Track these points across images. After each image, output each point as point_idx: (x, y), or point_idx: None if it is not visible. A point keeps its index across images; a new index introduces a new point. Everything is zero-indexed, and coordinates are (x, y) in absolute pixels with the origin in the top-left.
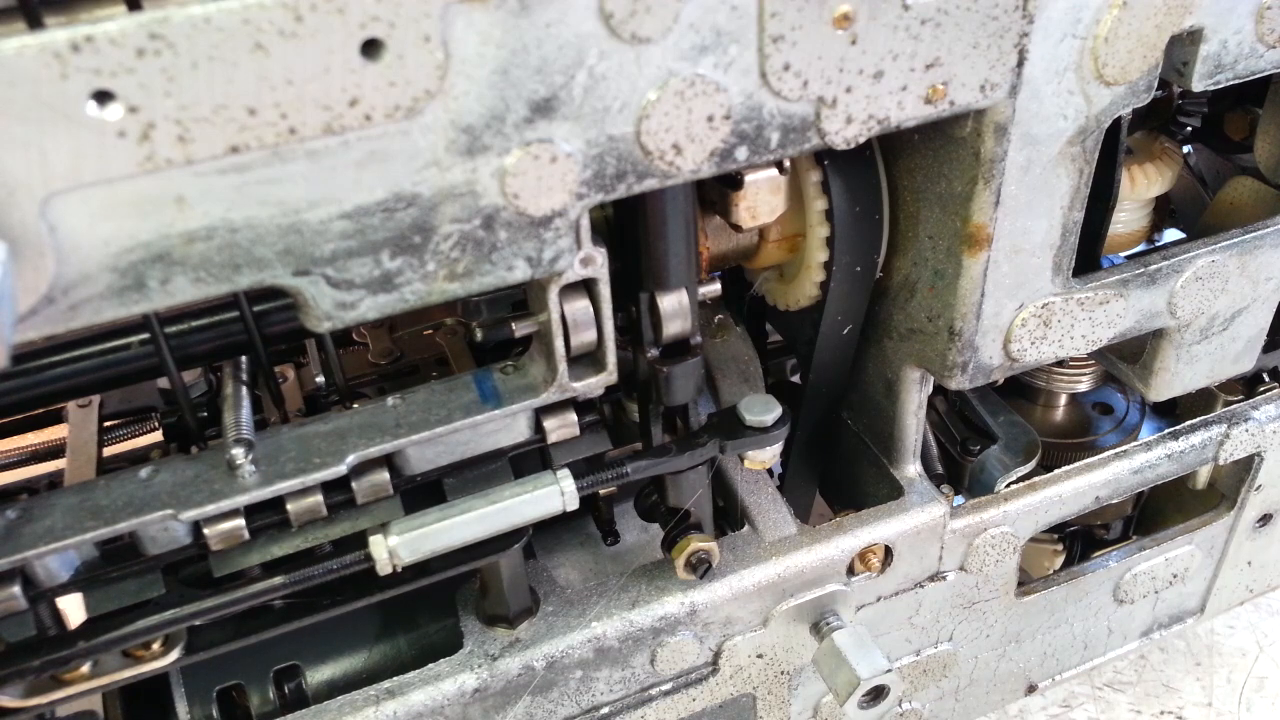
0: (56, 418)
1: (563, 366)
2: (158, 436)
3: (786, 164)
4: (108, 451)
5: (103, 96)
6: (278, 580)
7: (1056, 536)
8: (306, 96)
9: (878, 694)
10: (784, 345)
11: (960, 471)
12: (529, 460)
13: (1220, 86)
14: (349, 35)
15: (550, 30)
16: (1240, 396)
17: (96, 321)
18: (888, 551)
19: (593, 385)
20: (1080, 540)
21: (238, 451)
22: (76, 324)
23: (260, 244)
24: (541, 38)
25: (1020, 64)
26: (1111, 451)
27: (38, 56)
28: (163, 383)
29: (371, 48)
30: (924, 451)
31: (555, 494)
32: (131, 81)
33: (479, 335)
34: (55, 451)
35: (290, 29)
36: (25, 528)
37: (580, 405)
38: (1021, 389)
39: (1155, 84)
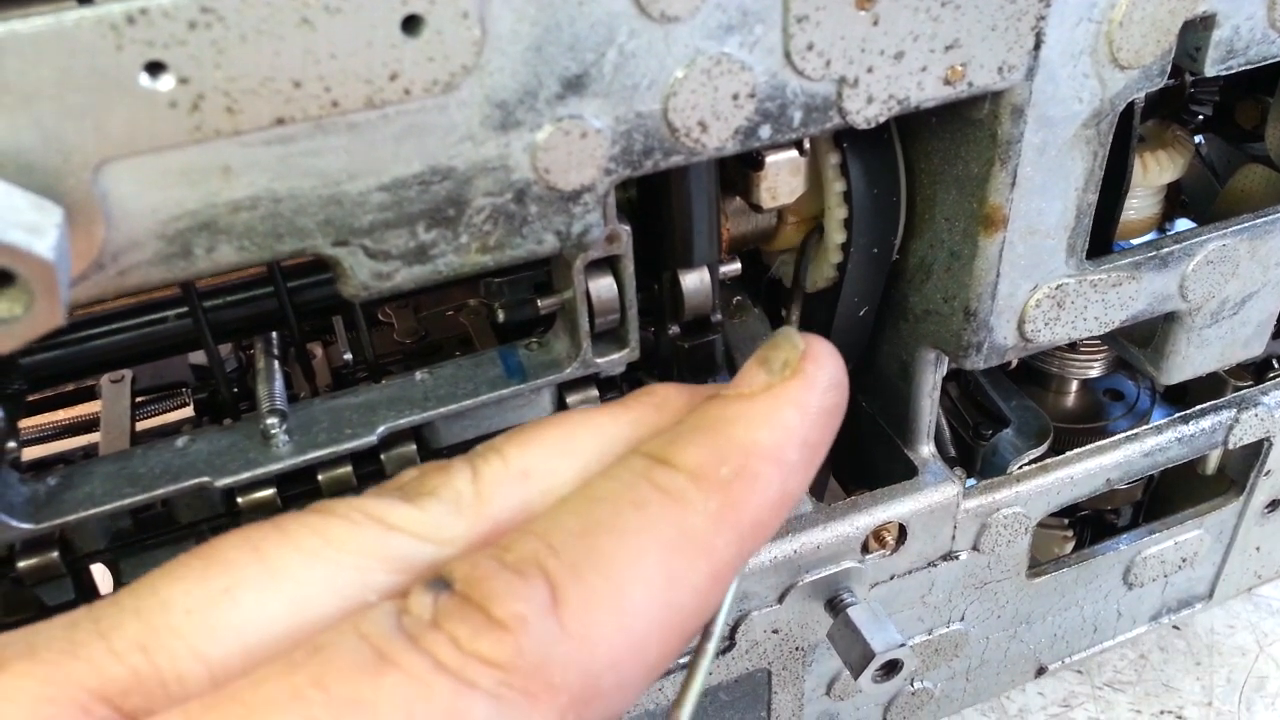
0: (89, 394)
1: (586, 343)
2: (189, 412)
3: (806, 145)
4: (140, 426)
5: (155, 68)
6: None
7: (1066, 522)
8: (349, 70)
9: (892, 668)
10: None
11: (973, 456)
12: None
13: (1232, 72)
14: (390, 10)
15: (583, 8)
16: (1250, 382)
17: (144, 286)
18: (901, 530)
19: (615, 361)
20: (1090, 526)
21: (272, 421)
22: (124, 289)
23: (302, 214)
24: (574, 15)
25: (1037, 46)
26: (1122, 435)
27: (94, 28)
28: (195, 358)
29: (412, 23)
30: (937, 435)
31: None
32: (183, 53)
33: (501, 316)
34: (89, 426)
35: (335, 4)
36: (65, 494)
37: (602, 382)
38: (1033, 375)
39: (1169, 68)
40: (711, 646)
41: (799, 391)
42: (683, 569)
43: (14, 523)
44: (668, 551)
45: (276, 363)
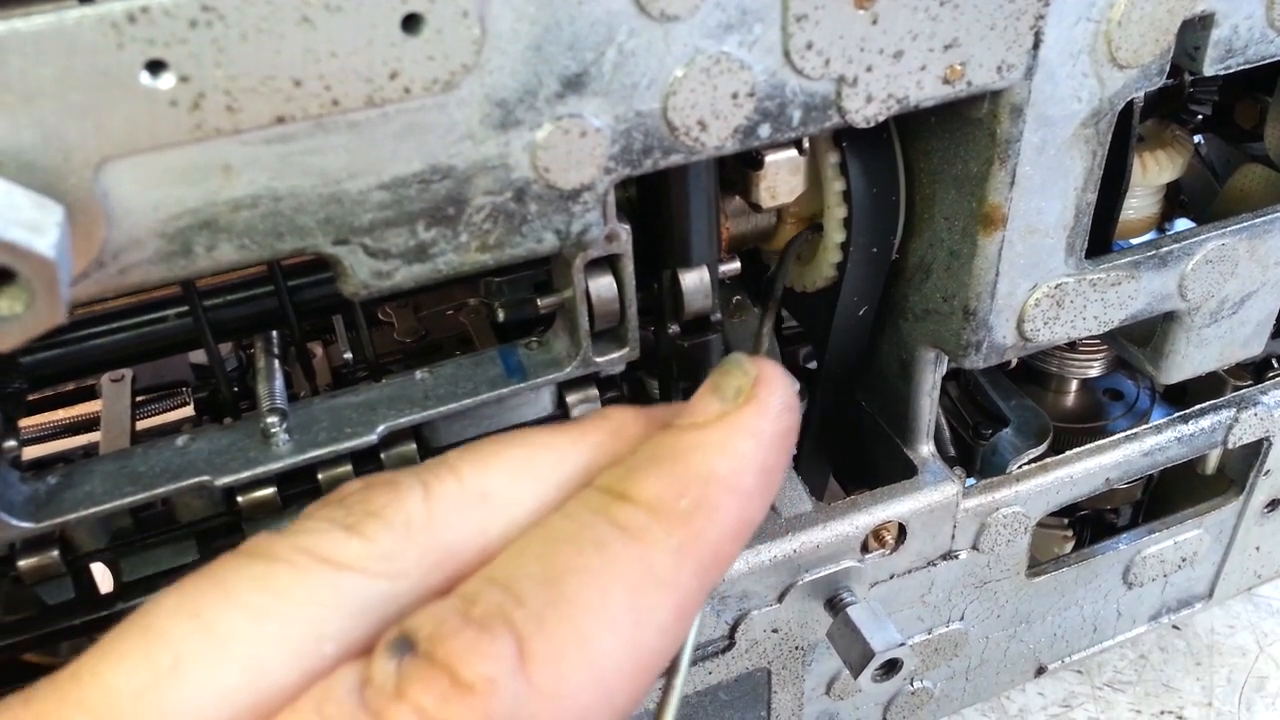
0: (90, 393)
1: (586, 342)
2: (189, 411)
3: (805, 145)
4: (140, 425)
5: (156, 66)
6: None
7: (1066, 522)
8: (349, 69)
9: (891, 668)
10: (799, 332)
11: (972, 456)
12: None
13: (1231, 72)
14: (391, 9)
15: (583, 7)
16: (1249, 382)
17: (144, 285)
18: (901, 529)
19: (615, 360)
20: (1090, 525)
21: (272, 420)
22: (125, 288)
23: (302, 213)
24: (574, 14)
25: (1036, 46)
26: (1122, 434)
27: (95, 27)
28: (195, 357)
29: (412, 22)
30: (937, 435)
31: None
32: (184, 52)
33: (501, 315)
34: (89, 425)
35: (335, 3)
36: (66, 493)
37: (602, 382)
38: (1033, 374)
39: (1167, 68)
40: (678, 683)
41: (753, 418)
42: (648, 608)
43: (14, 521)
44: (633, 592)
45: (277, 362)
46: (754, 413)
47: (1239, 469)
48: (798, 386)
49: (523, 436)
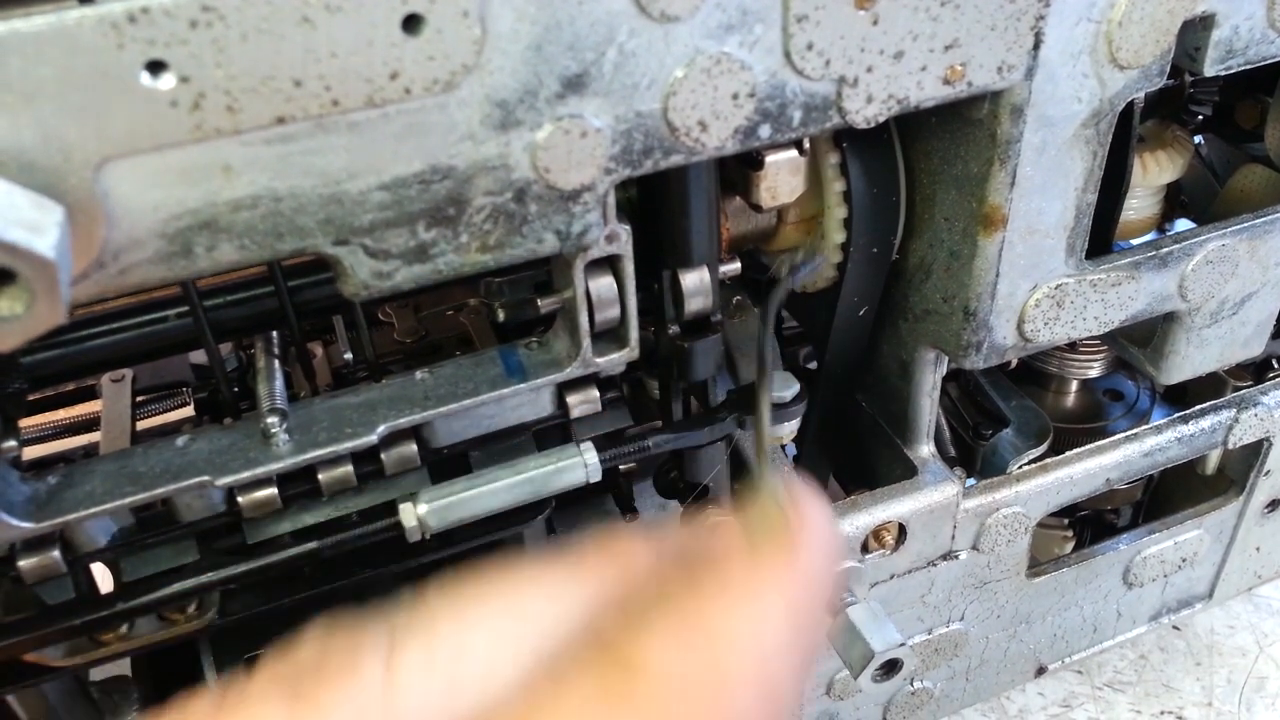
0: (90, 393)
1: (586, 342)
2: (189, 411)
3: (806, 145)
4: (141, 425)
5: (156, 66)
6: (310, 545)
7: (1066, 522)
8: (349, 69)
9: (891, 668)
10: (799, 333)
11: (973, 456)
12: (551, 436)
13: (1231, 72)
14: (391, 9)
15: (583, 8)
16: (1249, 382)
17: (144, 285)
18: (901, 529)
19: (615, 361)
20: (1090, 526)
21: (272, 420)
22: (125, 288)
23: (302, 213)
24: (574, 14)
25: (1036, 46)
26: (1122, 435)
27: (96, 27)
28: (195, 357)
29: (412, 22)
30: (937, 435)
31: (579, 465)
32: (184, 52)
33: (501, 315)
34: (89, 425)
35: (336, 3)
36: (66, 492)
37: (602, 382)
38: (1033, 375)
39: (1168, 68)
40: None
41: (784, 572)
42: None
43: (14, 522)
44: None
45: (277, 362)
46: (787, 565)
47: (1239, 469)
48: (798, 387)
49: (513, 591)
